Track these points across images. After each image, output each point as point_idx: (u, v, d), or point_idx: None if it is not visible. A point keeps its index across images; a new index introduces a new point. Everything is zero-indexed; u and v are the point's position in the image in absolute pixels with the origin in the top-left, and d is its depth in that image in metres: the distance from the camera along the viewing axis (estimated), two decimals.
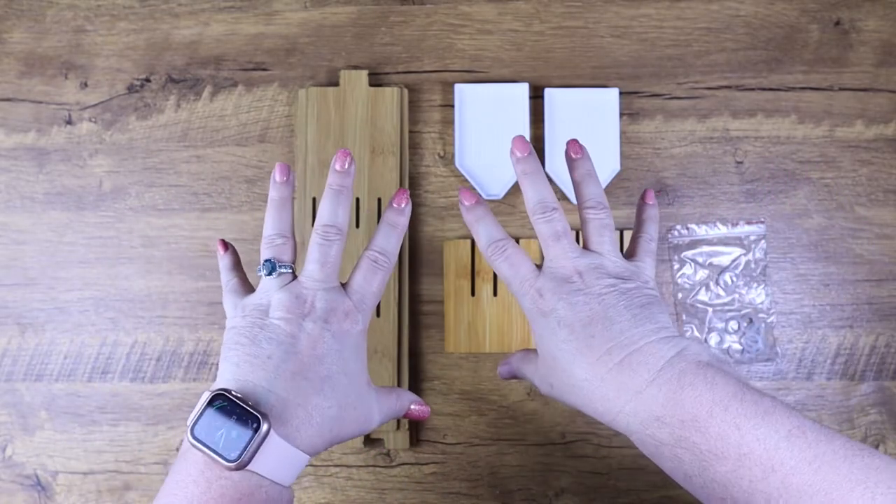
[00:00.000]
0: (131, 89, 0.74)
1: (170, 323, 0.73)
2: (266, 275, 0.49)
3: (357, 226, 0.70)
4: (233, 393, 0.43)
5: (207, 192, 0.73)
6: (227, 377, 0.45)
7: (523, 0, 0.73)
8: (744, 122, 0.72)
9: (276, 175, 0.51)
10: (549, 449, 0.72)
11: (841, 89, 0.72)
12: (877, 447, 0.70)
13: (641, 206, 0.56)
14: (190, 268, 0.73)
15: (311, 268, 0.49)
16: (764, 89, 0.72)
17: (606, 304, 0.47)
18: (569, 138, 0.54)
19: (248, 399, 0.43)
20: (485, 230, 0.52)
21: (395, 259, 0.51)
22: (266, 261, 0.49)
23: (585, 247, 0.51)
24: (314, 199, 0.70)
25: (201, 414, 0.43)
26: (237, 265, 0.54)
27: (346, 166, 0.50)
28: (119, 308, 0.73)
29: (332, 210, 0.50)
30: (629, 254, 0.54)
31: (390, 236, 0.51)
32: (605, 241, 0.50)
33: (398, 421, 0.69)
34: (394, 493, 0.72)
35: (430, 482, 0.72)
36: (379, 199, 0.70)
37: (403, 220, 0.52)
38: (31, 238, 0.74)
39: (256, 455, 0.42)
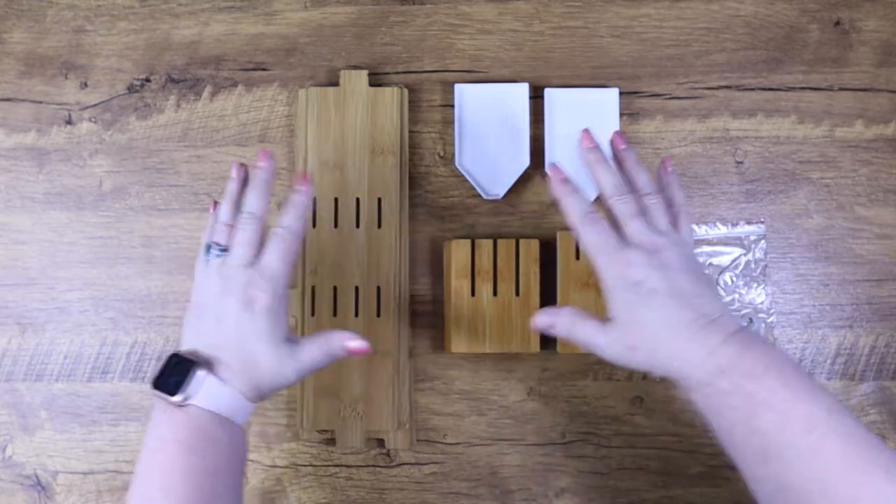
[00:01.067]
0: (131, 89, 0.74)
1: (170, 323, 0.73)
2: (204, 255, 0.59)
3: (357, 226, 0.70)
4: (181, 353, 0.56)
5: (207, 192, 0.73)
6: (181, 344, 0.58)
7: (523, 0, 0.73)
8: (744, 122, 0.72)
9: (233, 172, 0.61)
10: (549, 449, 0.72)
11: (841, 89, 0.72)
12: None
13: (661, 175, 0.61)
14: (190, 268, 0.73)
15: (234, 250, 0.58)
16: (764, 89, 0.72)
17: (689, 279, 0.54)
18: (598, 133, 0.61)
19: (191, 356, 0.55)
20: (577, 201, 0.57)
21: (296, 232, 0.58)
22: (206, 244, 0.59)
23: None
24: (314, 199, 0.70)
25: (159, 371, 0.55)
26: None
27: (267, 163, 0.60)
28: (119, 308, 0.73)
29: (250, 200, 0.59)
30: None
31: (291, 214, 0.58)
32: (665, 221, 0.57)
33: (398, 420, 0.70)
34: (394, 493, 0.72)
35: (430, 482, 0.72)
36: (379, 199, 0.70)
37: (304, 199, 0.59)
38: (31, 238, 0.74)
39: (198, 392, 0.54)
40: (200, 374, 0.54)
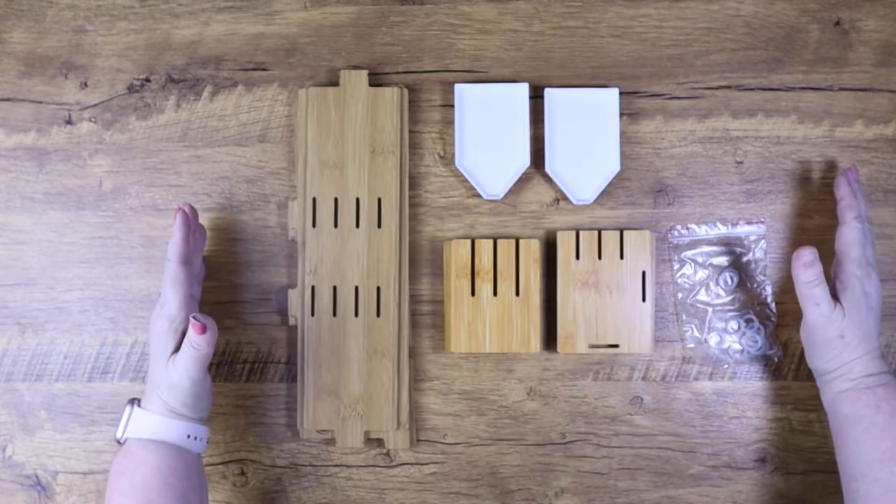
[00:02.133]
0: (131, 89, 0.74)
1: None
2: None
3: (357, 226, 0.70)
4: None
5: (207, 192, 0.73)
6: None
7: (523, 0, 0.73)
8: (744, 122, 0.72)
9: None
10: (549, 449, 0.72)
11: (841, 89, 0.72)
12: None
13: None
14: None
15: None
16: (764, 89, 0.72)
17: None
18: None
19: (135, 398, 0.65)
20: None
21: (177, 259, 0.62)
22: None
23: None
24: (314, 199, 0.70)
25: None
26: None
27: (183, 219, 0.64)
28: (119, 308, 0.73)
29: (169, 247, 0.63)
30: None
31: (172, 241, 0.63)
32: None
33: (398, 420, 0.70)
34: (394, 493, 0.72)
35: (430, 482, 0.72)
36: (379, 199, 0.70)
37: (179, 227, 0.63)
38: (31, 238, 0.74)
39: (127, 425, 0.63)
40: (127, 410, 0.63)
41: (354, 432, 0.69)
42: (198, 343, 0.61)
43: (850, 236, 0.64)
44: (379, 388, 0.69)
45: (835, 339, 0.63)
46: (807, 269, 0.63)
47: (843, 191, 0.66)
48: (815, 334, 0.64)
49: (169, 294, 0.63)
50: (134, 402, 0.64)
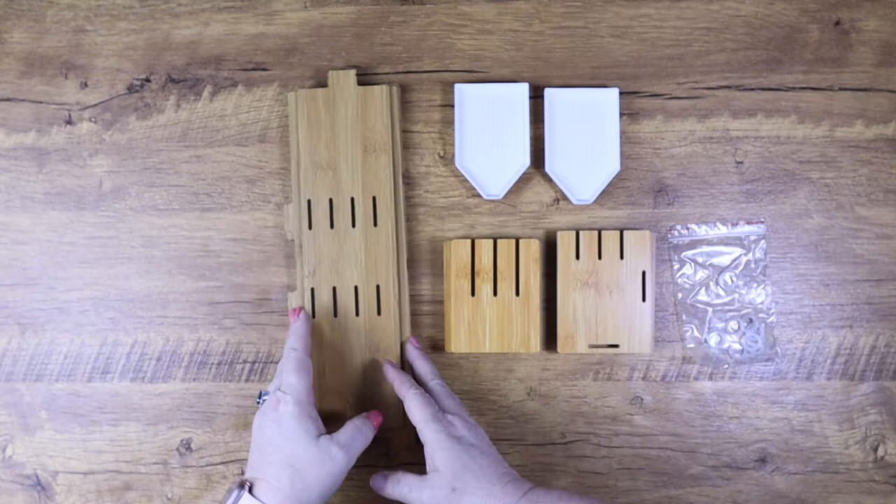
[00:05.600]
0: (131, 89, 0.74)
1: (170, 323, 0.73)
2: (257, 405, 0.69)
3: (353, 225, 0.70)
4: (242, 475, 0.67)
5: (207, 192, 0.73)
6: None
7: (523, 0, 0.73)
8: (744, 122, 0.72)
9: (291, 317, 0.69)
10: (549, 449, 0.72)
11: (841, 89, 0.72)
12: (877, 447, 0.70)
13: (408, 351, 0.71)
14: (190, 268, 0.73)
15: (270, 386, 0.67)
16: (764, 89, 0.72)
17: (489, 443, 0.66)
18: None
19: (245, 480, 0.62)
20: (413, 386, 0.67)
21: (303, 349, 0.65)
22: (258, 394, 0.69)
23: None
24: (309, 202, 0.70)
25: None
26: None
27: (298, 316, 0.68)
28: (119, 308, 0.73)
29: (294, 338, 0.66)
30: None
31: (292, 337, 0.66)
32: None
33: (398, 420, 0.69)
34: None
35: None
36: (374, 198, 0.70)
37: (300, 325, 0.67)
38: (31, 238, 0.74)
39: None
40: (235, 494, 0.60)
41: None
42: (372, 431, 0.66)
43: (410, 405, 0.64)
44: (379, 388, 0.69)
45: (449, 494, 0.61)
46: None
47: (390, 375, 0.68)
48: None
49: (293, 381, 0.63)
50: (245, 485, 0.61)
